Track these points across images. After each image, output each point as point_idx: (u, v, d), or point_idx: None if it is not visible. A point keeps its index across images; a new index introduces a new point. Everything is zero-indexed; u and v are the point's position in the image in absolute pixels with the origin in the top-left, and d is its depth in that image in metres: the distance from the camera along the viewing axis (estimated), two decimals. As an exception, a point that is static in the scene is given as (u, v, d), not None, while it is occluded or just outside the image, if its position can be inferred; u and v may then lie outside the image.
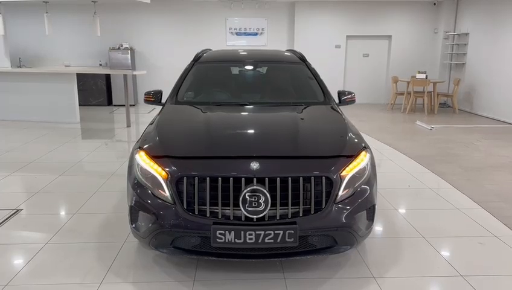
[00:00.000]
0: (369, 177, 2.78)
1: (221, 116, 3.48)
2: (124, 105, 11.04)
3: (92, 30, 10.45)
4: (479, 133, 8.25)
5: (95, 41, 11.66)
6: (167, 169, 2.57)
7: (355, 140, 2.99)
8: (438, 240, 3.38)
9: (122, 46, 11.42)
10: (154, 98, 4.11)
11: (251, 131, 3.13)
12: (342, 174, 2.60)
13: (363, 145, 2.92)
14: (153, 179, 2.60)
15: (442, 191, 4.68)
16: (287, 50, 4.98)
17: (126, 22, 11.82)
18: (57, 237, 3.39)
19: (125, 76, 8.59)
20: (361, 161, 2.74)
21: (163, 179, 2.56)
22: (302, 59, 4.51)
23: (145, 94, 4.18)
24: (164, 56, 11.84)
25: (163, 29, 11.87)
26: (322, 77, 4.52)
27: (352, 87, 11.85)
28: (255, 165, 2.54)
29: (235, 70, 4.48)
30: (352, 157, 2.73)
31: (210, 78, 4.35)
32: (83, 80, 11.09)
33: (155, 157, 2.69)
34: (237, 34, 11.87)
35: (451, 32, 11.55)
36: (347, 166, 2.65)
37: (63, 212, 3.94)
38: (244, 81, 4.44)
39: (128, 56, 11.30)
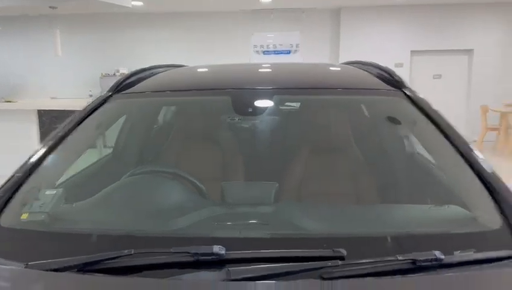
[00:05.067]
0: None
1: None
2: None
3: (53, 48, 7.98)
4: None
5: (86, 67, 9.38)
6: None
7: None
8: None
9: (118, 71, 9.05)
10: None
11: None
12: None
13: None
14: None
15: None
16: (352, 62, 2.09)
17: (125, 41, 9.48)
18: None
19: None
20: None
21: None
22: (394, 82, 1.64)
23: None
24: (172, 83, 9.31)
25: (173, 49, 9.42)
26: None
27: (421, 119, 8.76)
28: None
29: (212, 117, 1.69)
30: None
31: (141, 141, 1.60)
32: (69, 115, 8.72)
33: None
34: (264, 52, 9.19)
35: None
36: None
37: None
38: (234, 147, 1.63)
39: (125, 84, 8.87)
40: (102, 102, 1.65)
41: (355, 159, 1.50)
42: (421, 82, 9.15)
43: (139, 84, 1.75)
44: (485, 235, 1.12)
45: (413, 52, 9.09)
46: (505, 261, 1.00)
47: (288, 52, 9.24)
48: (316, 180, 1.42)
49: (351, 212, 1.28)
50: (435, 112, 1.50)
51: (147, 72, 1.92)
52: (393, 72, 1.70)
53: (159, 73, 1.94)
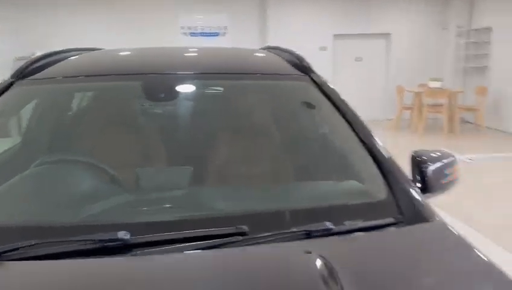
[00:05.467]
0: None
1: None
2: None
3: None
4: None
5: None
6: None
7: None
8: None
9: (34, 54, 8.43)
10: None
11: None
12: None
13: None
14: None
15: None
16: (267, 48, 2.19)
17: (43, 22, 8.87)
18: None
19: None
20: None
21: None
22: (303, 68, 1.73)
23: None
24: (95, 66, 8.87)
25: (95, 30, 8.96)
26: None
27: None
28: None
29: (125, 103, 1.68)
30: None
31: (50, 129, 1.57)
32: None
33: None
34: (191, 34, 9.06)
35: (466, 27, 9.11)
36: None
37: None
38: (148, 134, 1.65)
39: (43, 68, 8.32)
40: (2, 90, 1.56)
41: (265, 142, 1.58)
42: (344, 65, 9.58)
43: (47, 70, 1.68)
44: (375, 205, 1.25)
45: (336, 36, 9.44)
46: (387, 228, 1.14)
47: (216, 34, 9.19)
48: (229, 163, 1.49)
49: (259, 192, 1.36)
50: (339, 97, 1.62)
51: (58, 56, 1.84)
52: (303, 59, 1.80)
53: (70, 57, 1.87)
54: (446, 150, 1.56)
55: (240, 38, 9.23)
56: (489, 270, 0.98)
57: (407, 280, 0.95)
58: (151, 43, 8.86)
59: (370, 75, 9.74)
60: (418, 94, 8.29)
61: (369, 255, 1.03)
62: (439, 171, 1.41)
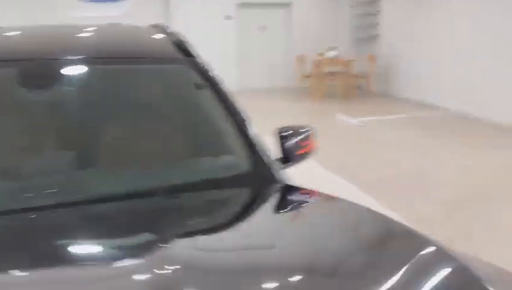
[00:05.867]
0: None
1: None
2: None
3: None
4: (423, 127, 6.45)
5: None
6: None
7: None
8: None
9: None
10: None
11: None
12: None
13: None
14: None
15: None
16: (152, 26, 2.21)
17: None
18: None
19: None
20: None
21: None
22: (183, 49, 1.80)
23: None
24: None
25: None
26: (209, 60, 1.86)
27: (249, 70, 9.40)
28: None
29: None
30: None
31: None
32: None
33: None
34: (88, 0, 8.53)
35: (359, -2, 9.74)
36: None
37: None
38: (25, 122, 1.61)
39: None
40: None
41: (146, 125, 1.65)
42: (249, 34, 9.73)
43: None
44: (241, 176, 1.47)
45: (240, 5, 9.49)
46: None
47: (116, 0, 8.76)
48: (109, 146, 1.56)
49: (139, 172, 1.47)
50: (217, 80, 1.73)
51: None
52: (185, 42, 1.87)
53: None
54: (303, 128, 1.77)
55: (141, 5, 8.89)
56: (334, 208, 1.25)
57: (248, 227, 1.23)
58: (44, 10, 8.18)
59: (273, 44, 10.03)
60: (315, 63, 8.77)
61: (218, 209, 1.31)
62: (296, 144, 1.64)
